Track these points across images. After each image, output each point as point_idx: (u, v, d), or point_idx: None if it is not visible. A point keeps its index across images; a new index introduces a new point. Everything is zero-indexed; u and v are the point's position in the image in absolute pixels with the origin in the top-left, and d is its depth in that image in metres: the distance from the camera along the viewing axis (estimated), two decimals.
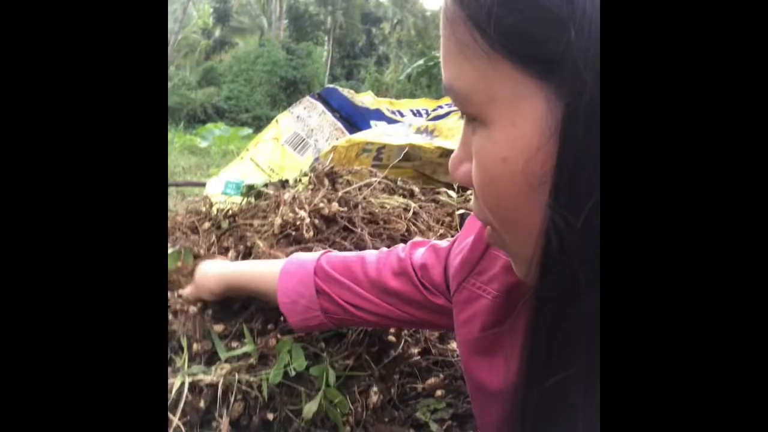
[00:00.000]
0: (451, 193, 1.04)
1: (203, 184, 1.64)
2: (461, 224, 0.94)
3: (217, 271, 0.74)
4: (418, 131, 1.24)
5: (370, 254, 0.64)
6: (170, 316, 0.78)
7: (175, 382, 0.70)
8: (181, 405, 0.70)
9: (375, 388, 0.71)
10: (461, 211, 0.96)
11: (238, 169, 1.64)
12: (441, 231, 0.91)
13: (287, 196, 0.94)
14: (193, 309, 0.75)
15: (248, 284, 0.71)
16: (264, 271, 0.70)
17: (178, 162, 5.69)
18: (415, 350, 0.74)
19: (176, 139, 7.85)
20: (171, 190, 2.90)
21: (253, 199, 1.09)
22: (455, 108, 1.47)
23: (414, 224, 0.91)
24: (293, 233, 0.84)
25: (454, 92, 0.32)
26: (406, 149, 1.16)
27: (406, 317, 0.60)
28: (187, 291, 0.77)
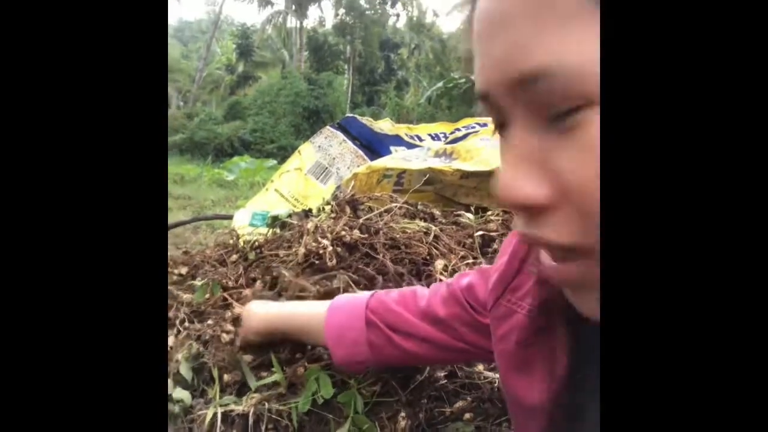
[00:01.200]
0: (470, 215, 1.05)
1: (231, 217, 1.68)
2: (481, 246, 0.94)
3: (262, 311, 0.76)
4: (437, 154, 1.25)
5: (421, 288, 0.67)
6: (200, 347, 0.80)
7: (207, 413, 0.71)
8: None
9: (403, 413, 0.71)
10: (480, 233, 0.97)
11: (264, 200, 1.67)
12: (462, 253, 0.92)
13: (310, 225, 0.96)
14: (224, 338, 0.77)
15: (293, 324, 0.73)
16: (310, 310, 0.72)
17: (207, 195, 5.82)
18: (441, 374, 0.75)
19: (204, 173, 8.04)
20: (200, 223, 2.97)
21: (278, 230, 1.12)
22: (472, 130, 1.48)
23: (435, 247, 0.91)
24: (317, 262, 0.86)
25: (552, 78, 0.26)
26: (427, 174, 1.17)
27: (453, 343, 0.60)
28: (239, 331, 0.80)
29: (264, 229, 1.19)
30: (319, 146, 1.77)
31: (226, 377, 0.75)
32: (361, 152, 1.72)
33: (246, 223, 1.54)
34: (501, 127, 0.31)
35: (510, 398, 0.49)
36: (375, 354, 0.64)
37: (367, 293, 0.68)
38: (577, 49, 0.25)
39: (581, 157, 0.26)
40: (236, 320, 0.81)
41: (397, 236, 0.92)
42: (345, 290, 0.82)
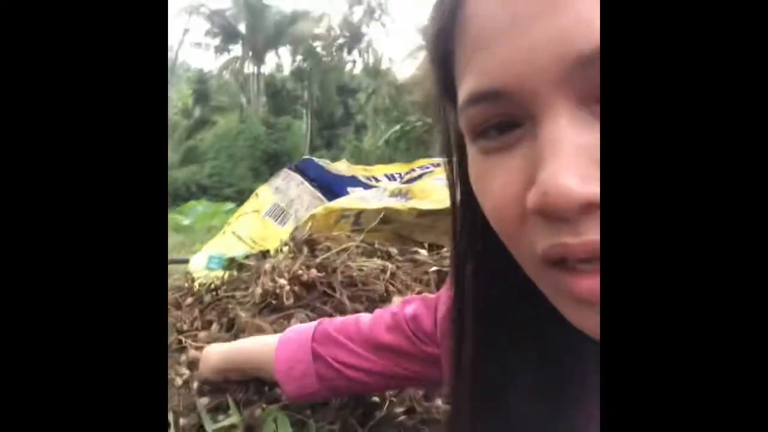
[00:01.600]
0: (424, 252, 1.07)
1: (187, 261, 1.65)
2: (437, 282, 0.96)
3: (218, 350, 0.77)
4: (393, 194, 1.28)
5: (364, 316, 0.67)
6: None
7: None
8: None
9: None
10: (434, 269, 0.99)
11: (221, 243, 1.66)
12: (419, 289, 0.93)
13: (267, 266, 0.96)
14: (178, 381, 0.76)
15: (249, 360, 0.73)
16: (262, 344, 0.72)
17: None
18: (400, 410, 0.75)
19: None
20: None
21: (235, 272, 1.12)
22: (427, 170, 1.51)
23: (392, 284, 0.93)
24: (274, 302, 0.86)
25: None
26: (382, 213, 1.19)
27: (399, 372, 0.61)
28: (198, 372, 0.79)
29: (221, 272, 1.18)
30: (277, 188, 1.78)
31: (182, 421, 0.73)
32: (318, 194, 1.74)
33: (203, 266, 1.52)
34: (512, 126, 0.28)
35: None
36: (324, 385, 0.64)
37: (313, 323, 0.68)
38: None
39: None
40: (192, 363, 0.80)
41: (354, 274, 0.93)
42: None
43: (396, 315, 0.62)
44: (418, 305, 0.60)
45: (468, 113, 0.30)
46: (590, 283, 0.26)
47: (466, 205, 0.38)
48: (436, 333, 0.56)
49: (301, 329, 0.69)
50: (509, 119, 0.28)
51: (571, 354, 0.37)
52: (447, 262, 1.06)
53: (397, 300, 0.89)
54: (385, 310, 0.65)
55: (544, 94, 0.26)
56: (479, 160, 0.31)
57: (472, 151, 0.32)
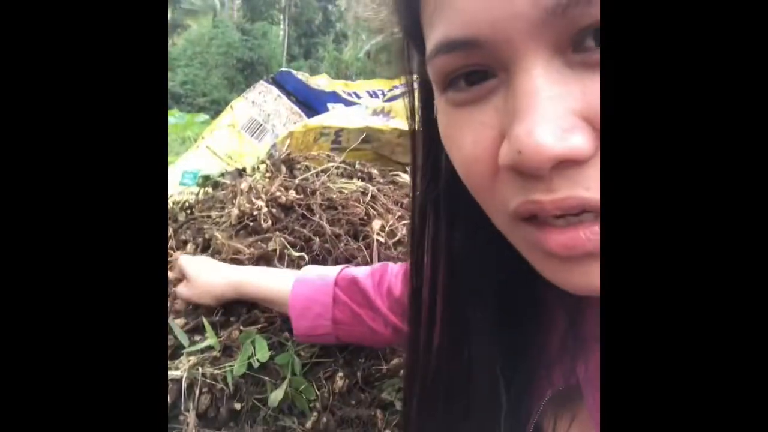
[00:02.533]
0: (406, 176, 1.05)
1: None
2: None
3: (225, 276, 0.74)
4: (375, 113, 1.23)
5: (393, 265, 0.65)
6: None
7: None
8: None
9: (341, 373, 0.72)
10: None
11: (195, 157, 1.60)
12: (399, 213, 0.92)
13: (244, 185, 0.93)
14: None
15: (260, 291, 0.72)
16: (277, 278, 0.71)
17: None
18: None
19: None
20: None
21: (210, 190, 1.08)
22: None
23: (372, 207, 0.91)
24: (251, 223, 0.84)
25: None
26: (364, 134, 1.15)
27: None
28: (184, 293, 0.76)
29: (195, 189, 1.15)
30: (253, 102, 1.70)
31: None
32: (297, 108, 1.67)
33: (176, 182, 1.47)
34: (486, 77, 0.27)
35: None
36: (336, 330, 0.65)
37: (336, 267, 0.68)
38: None
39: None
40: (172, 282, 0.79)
41: (334, 196, 0.90)
42: (280, 253, 0.80)
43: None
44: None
45: (437, 62, 0.28)
46: (562, 238, 0.26)
47: (427, 150, 0.36)
48: None
49: (321, 271, 0.68)
50: (481, 69, 0.27)
51: (529, 300, 0.37)
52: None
53: (377, 224, 0.88)
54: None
55: (518, 42, 0.24)
56: (448, 113, 0.29)
57: (440, 102, 0.30)
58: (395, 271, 0.63)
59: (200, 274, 0.75)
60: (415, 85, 0.36)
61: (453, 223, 0.37)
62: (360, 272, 0.66)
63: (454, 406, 0.39)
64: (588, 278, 0.26)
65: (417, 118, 0.37)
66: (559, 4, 0.23)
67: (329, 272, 0.67)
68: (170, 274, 0.80)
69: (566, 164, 0.24)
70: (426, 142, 0.37)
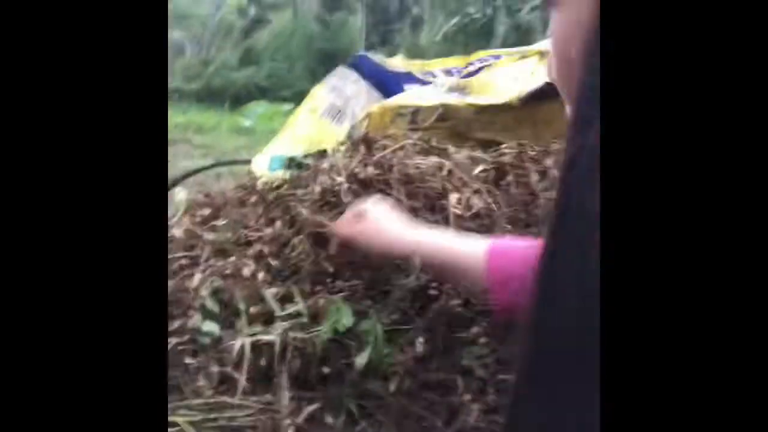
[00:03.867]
0: (482, 154, 1.05)
1: (249, 161, 1.70)
2: (495, 179, 0.95)
3: (408, 238, 0.73)
4: (450, 90, 1.24)
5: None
6: (222, 281, 0.83)
7: (236, 344, 0.76)
8: (245, 365, 0.76)
9: (421, 339, 0.75)
10: (491, 166, 0.97)
11: (281, 144, 1.68)
12: (476, 186, 0.93)
13: (326, 164, 0.98)
14: (246, 272, 0.81)
15: (444, 259, 0.72)
16: (465, 247, 0.71)
17: (227, 143, 5.84)
18: (456, 302, 0.78)
19: (223, 120, 8.03)
20: (222, 171, 3.01)
21: (296, 171, 1.14)
22: (486, 63, 1.45)
23: (449, 182, 0.93)
24: (332, 199, 0.88)
25: None
26: (440, 110, 1.17)
27: None
28: (345, 231, 0.76)
29: (282, 173, 1.22)
30: (333, 87, 1.75)
31: (251, 309, 0.79)
32: (375, 91, 1.71)
33: (266, 167, 1.56)
34: None
35: None
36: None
37: (529, 243, 0.67)
38: None
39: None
40: (258, 257, 0.85)
41: (411, 172, 0.93)
42: None
43: None
44: None
45: None
46: None
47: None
48: None
49: (515, 244, 0.68)
50: None
51: None
52: (505, 158, 1.04)
53: (453, 198, 0.89)
54: None
55: None
56: None
57: None
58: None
59: (380, 219, 0.74)
60: None
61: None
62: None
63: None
64: None
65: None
66: None
67: (526, 245, 0.66)
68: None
69: None
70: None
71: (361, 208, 0.78)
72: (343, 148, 1.08)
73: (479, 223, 0.84)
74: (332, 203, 0.88)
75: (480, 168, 0.98)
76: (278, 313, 0.77)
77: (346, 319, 0.74)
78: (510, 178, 0.98)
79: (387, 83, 1.68)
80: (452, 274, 0.73)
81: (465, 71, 1.38)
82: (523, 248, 0.65)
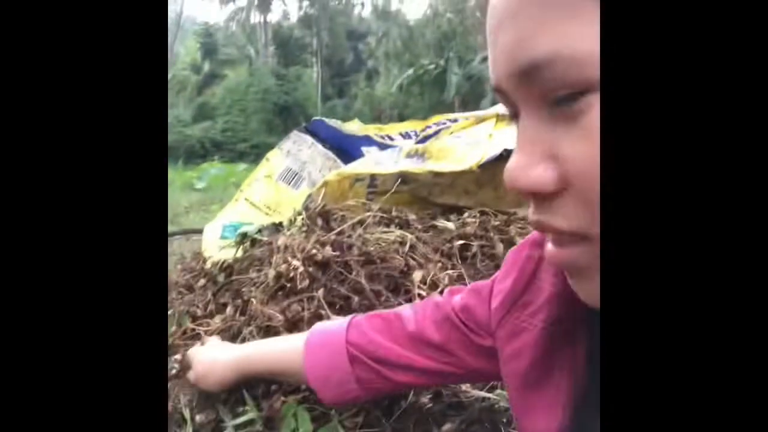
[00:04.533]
0: (447, 223, 1.01)
1: (201, 231, 1.62)
2: (461, 254, 0.91)
3: (225, 358, 0.69)
4: (409, 155, 1.21)
5: (404, 309, 0.61)
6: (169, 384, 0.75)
7: None
8: None
9: None
10: (460, 242, 0.93)
11: (235, 210, 1.61)
12: (440, 262, 0.88)
13: (281, 242, 0.91)
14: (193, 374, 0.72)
15: (267, 367, 0.67)
16: (284, 349, 0.66)
17: (180, 200, 5.69)
18: (426, 398, 0.71)
19: (176, 177, 7.87)
20: (172, 240, 2.88)
21: (248, 247, 1.07)
22: (443, 126, 1.44)
23: (412, 258, 0.88)
24: (288, 285, 0.81)
25: (557, 64, 0.26)
26: (399, 179, 1.13)
27: (448, 369, 0.56)
28: (191, 380, 0.72)
29: (233, 243, 1.14)
30: (288, 151, 1.71)
31: (198, 417, 0.70)
32: (331, 154, 1.67)
33: (217, 237, 1.48)
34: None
35: (520, 424, 0.47)
36: (365, 389, 0.59)
37: (343, 322, 0.62)
38: (578, 37, 0.26)
39: (584, 143, 0.27)
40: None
41: (372, 249, 0.87)
42: (318, 314, 0.77)
43: (443, 307, 0.56)
44: (468, 295, 0.55)
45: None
46: (547, 251, 0.32)
47: None
48: (490, 323, 0.51)
49: (330, 330, 0.62)
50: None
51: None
52: (469, 229, 1.00)
53: (417, 276, 0.84)
54: (427, 303, 0.59)
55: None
56: None
57: None
58: (428, 313, 0.57)
59: (202, 360, 0.71)
60: None
61: None
62: (372, 322, 0.60)
63: None
64: (585, 293, 0.32)
65: None
66: (522, 71, 0.28)
67: (338, 329, 0.61)
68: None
69: (543, 195, 0.29)
70: None
71: (186, 357, 0.74)
72: (299, 219, 1.02)
73: None
74: (287, 289, 0.81)
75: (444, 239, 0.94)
76: (228, 422, 0.69)
77: (305, 427, 0.66)
78: (475, 249, 0.94)
79: (344, 146, 1.64)
80: (292, 379, 0.67)
81: (422, 134, 1.36)
82: (339, 335, 0.60)
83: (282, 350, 0.66)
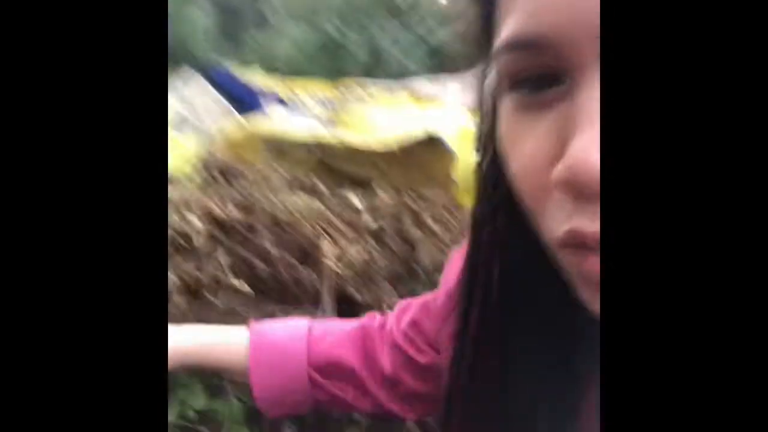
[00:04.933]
0: (356, 201, 0.97)
1: None
2: (375, 237, 0.88)
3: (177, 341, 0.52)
4: (321, 121, 1.15)
5: (374, 335, 0.52)
6: None
7: None
8: None
9: None
10: (374, 227, 0.90)
11: None
12: (352, 235, 0.85)
13: (176, 196, 0.82)
14: None
15: (213, 362, 0.53)
16: (231, 347, 0.52)
17: None
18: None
19: None
20: None
21: None
22: (355, 93, 1.40)
23: (322, 227, 0.83)
24: (184, 244, 0.73)
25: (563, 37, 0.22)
26: (308, 145, 1.07)
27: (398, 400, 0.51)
28: None
29: None
30: (177, 90, 1.56)
31: None
32: (225, 102, 1.55)
33: None
34: (555, 82, 0.24)
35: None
36: (318, 405, 0.52)
37: (300, 333, 0.52)
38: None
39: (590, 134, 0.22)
40: None
41: (279, 214, 0.81)
42: (217, 280, 0.70)
43: (391, 333, 0.50)
44: (417, 310, 0.49)
45: (504, 59, 0.26)
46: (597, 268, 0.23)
47: (492, 163, 0.33)
48: (436, 339, 0.47)
49: (284, 343, 0.51)
50: (549, 73, 0.24)
51: (577, 339, 0.34)
52: (377, 202, 0.97)
53: (327, 247, 0.80)
54: (385, 328, 0.51)
55: (587, 49, 0.22)
56: (511, 115, 0.27)
57: (504, 102, 0.28)
58: (385, 341, 0.51)
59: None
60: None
61: (509, 240, 0.34)
62: (339, 342, 0.52)
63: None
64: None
65: (484, 127, 0.33)
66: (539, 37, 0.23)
67: (298, 348, 0.51)
68: None
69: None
70: (490, 153, 0.33)
71: None
72: (196, 174, 0.92)
73: (360, 282, 0.76)
74: (183, 248, 0.73)
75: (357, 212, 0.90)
76: None
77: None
78: (385, 223, 0.92)
79: (241, 96, 1.53)
80: (237, 378, 0.57)
81: (332, 98, 1.30)
82: (299, 356, 0.51)
83: (230, 347, 0.53)
